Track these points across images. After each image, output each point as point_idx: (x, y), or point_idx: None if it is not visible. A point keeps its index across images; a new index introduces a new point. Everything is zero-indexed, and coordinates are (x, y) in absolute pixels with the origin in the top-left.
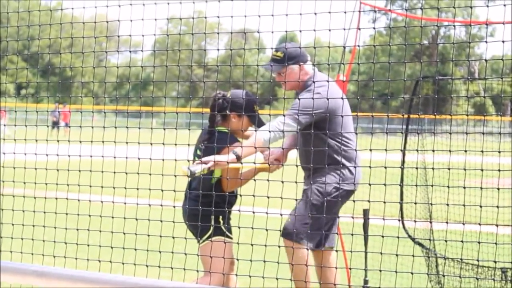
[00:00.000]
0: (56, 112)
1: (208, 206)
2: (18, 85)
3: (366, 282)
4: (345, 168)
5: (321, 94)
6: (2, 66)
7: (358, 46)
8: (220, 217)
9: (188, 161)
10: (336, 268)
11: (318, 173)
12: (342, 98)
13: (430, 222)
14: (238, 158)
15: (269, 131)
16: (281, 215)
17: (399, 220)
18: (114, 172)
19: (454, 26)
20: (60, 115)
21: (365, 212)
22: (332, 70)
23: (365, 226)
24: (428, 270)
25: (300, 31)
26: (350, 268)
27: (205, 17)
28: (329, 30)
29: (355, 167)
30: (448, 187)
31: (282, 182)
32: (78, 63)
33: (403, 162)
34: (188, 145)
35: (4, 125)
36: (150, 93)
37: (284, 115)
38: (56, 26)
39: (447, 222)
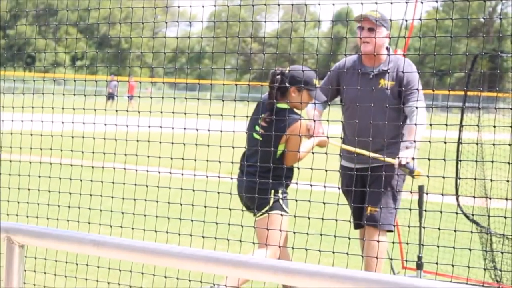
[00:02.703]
0: (112, 83)
1: (269, 179)
2: (74, 56)
3: (420, 258)
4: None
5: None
6: (58, 37)
7: (420, 19)
8: (280, 191)
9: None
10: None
11: (391, 148)
12: (419, 72)
13: (489, 198)
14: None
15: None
16: (339, 188)
17: (456, 196)
18: (172, 143)
19: None
20: (124, 87)
21: (420, 188)
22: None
23: (420, 202)
24: (482, 248)
25: (362, 3)
26: (407, 243)
27: None
28: (391, 3)
29: (415, 141)
30: (509, 163)
31: (340, 155)
32: (133, 36)
33: (459, 138)
34: (247, 117)
35: (130, 97)
36: (204, 66)
37: (417, 101)
38: None
39: (506, 199)
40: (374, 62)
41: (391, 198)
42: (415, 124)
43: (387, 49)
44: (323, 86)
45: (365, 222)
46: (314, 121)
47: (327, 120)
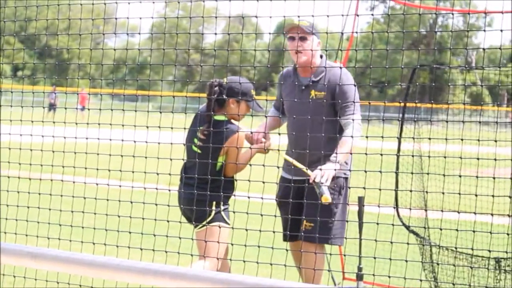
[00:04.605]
0: (53, 94)
1: (211, 191)
2: (15, 67)
3: (360, 269)
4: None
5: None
6: None
7: (356, 32)
8: (220, 203)
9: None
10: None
11: (322, 162)
12: (354, 85)
13: (426, 210)
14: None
15: (352, 136)
16: (276, 200)
17: (394, 208)
18: (110, 155)
19: (452, 14)
20: (78, 98)
21: (360, 200)
22: (329, 58)
23: (360, 213)
24: (422, 259)
25: (298, 16)
26: (344, 255)
27: (203, 0)
28: (327, 16)
29: (351, 153)
30: (444, 175)
31: (278, 167)
32: (74, 46)
33: (398, 150)
34: (184, 129)
35: (82, 108)
36: (146, 77)
37: (353, 113)
38: (54, 8)
39: (442, 211)
40: (307, 72)
41: (328, 212)
42: (351, 137)
43: (321, 57)
44: (277, 98)
45: (301, 236)
46: (252, 132)
47: (279, 134)
